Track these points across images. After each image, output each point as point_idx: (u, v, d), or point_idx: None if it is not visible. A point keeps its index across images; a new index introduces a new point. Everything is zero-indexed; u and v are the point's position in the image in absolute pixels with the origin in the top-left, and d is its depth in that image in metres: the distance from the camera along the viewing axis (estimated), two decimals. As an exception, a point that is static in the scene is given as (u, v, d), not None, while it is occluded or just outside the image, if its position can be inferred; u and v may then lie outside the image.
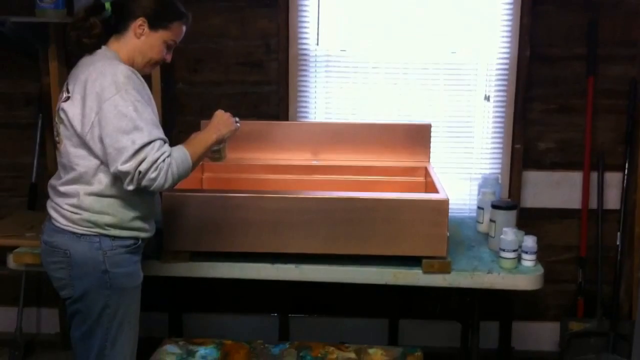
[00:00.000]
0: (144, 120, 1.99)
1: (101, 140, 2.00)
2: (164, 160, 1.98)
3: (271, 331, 3.52)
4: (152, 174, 1.97)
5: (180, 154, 2.05)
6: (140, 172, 1.96)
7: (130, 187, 2.00)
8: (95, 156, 2.05)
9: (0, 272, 3.44)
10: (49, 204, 2.17)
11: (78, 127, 2.04)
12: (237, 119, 2.30)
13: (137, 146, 1.95)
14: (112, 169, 1.99)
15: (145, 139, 1.96)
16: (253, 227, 2.39)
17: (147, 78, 2.21)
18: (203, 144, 2.18)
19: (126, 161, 1.95)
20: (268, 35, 3.30)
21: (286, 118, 3.34)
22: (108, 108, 1.97)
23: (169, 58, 2.22)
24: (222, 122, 2.26)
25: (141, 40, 2.14)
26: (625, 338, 3.20)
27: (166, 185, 2.01)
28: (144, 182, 1.98)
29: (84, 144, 2.05)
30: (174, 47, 2.22)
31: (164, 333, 3.25)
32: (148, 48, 2.15)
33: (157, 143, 1.99)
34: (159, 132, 2.02)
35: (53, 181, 2.17)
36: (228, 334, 3.34)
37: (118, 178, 2.03)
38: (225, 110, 2.32)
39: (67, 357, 3.34)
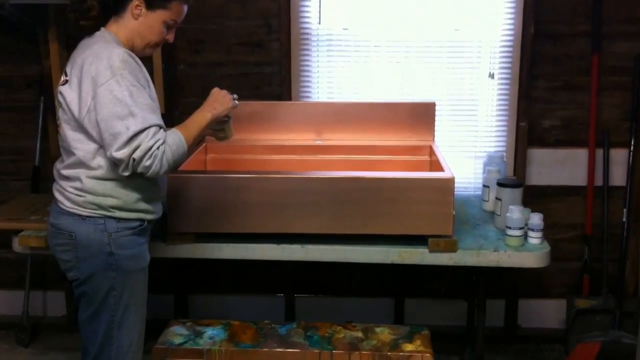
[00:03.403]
0: (139, 105, 1.97)
1: (98, 125, 1.98)
2: (158, 148, 1.97)
3: (277, 312, 3.52)
4: (146, 162, 1.96)
5: (175, 139, 2.04)
6: (134, 159, 1.95)
7: (126, 173, 2.00)
8: (93, 140, 2.03)
9: (6, 256, 3.45)
10: (54, 186, 2.16)
11: (75, 111, 2.02)
12: (235, 96, 2.27)
13: (131, 133, 1.94)
14: (108, 155, 1.99)
15: (140, 126, 1.95)
16: (258, 207, 2.38)
17: (149, 60, 2.18)
18: (197, 125, 2.16)
19: (120, 148, 1.94)
20: (269, 14, 3.27)
21: (289, 98, 3.32)
22: (103, 93, 1.96)
23: (171, 38, 2.19)
24: (217, 99, 2.23)
25: (139, 21, 2.10)
26: (630, 315, 3.20)
27: (161, 172, 2.00)
28: (139, 169, 1.98)
29: (82, 128, 2.03)
30: (175, 27, 2.18)
31: (169, 314, 3.27)
32: (147, 29, 2.12)
33: (152, 130, 1.97)
34: (155, 118, 2.00)
35: (57, 164, 2.17)
36: (233, 315, 3.35)
37: (117, 161, 2.02)
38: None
39: (73, 340, 3.36)
